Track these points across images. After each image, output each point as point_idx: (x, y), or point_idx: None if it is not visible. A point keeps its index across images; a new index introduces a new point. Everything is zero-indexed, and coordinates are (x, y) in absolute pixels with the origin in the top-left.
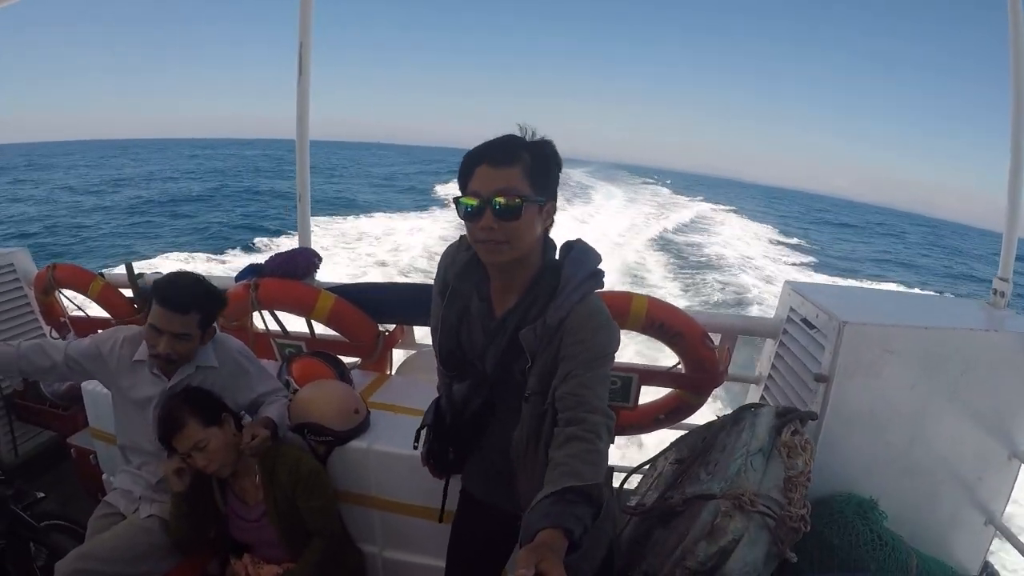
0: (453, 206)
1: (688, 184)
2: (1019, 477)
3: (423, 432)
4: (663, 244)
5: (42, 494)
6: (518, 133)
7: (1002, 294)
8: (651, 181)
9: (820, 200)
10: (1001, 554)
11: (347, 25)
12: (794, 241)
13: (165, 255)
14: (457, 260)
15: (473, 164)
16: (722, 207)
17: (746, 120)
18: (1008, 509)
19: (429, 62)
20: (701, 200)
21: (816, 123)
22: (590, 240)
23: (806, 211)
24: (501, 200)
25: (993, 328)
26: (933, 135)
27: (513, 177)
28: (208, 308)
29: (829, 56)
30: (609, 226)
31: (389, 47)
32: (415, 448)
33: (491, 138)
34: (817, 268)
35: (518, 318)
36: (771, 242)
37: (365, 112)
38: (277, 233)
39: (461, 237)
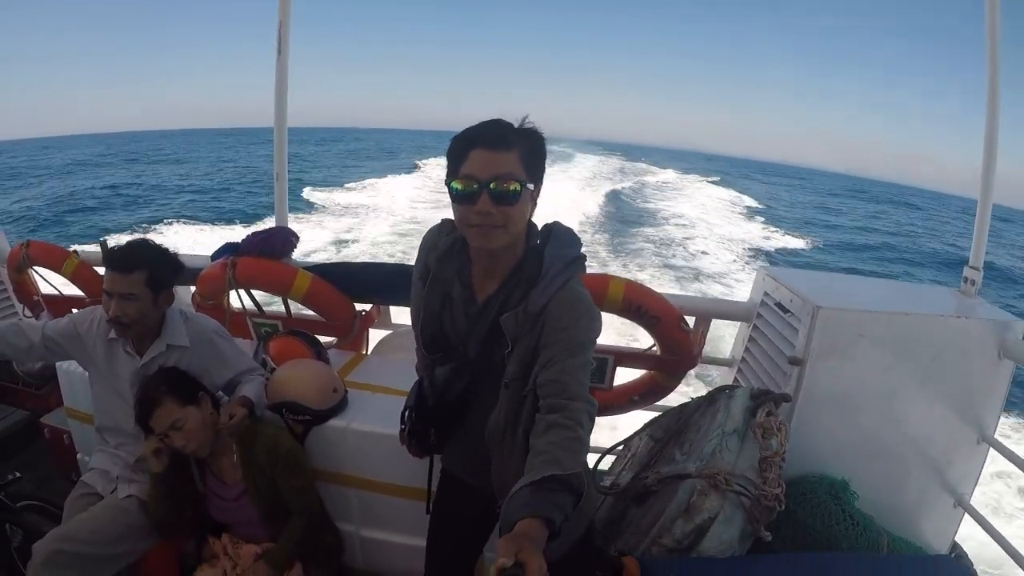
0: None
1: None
2: (987, 461)
3: (406, 413)
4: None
5: (18, 474)
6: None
7: (972, 282)
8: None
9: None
10: (970, 537)
11: (325, 7)
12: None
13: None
14: (439, 245)
15: (467, 147)
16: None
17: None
18: (976, 492)
19: (404, 44)
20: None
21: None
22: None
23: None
24: (500, 185)
25: (964, 315)
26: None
27: (511, 162)
28: (155, 266)
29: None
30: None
31: (364, 30)
32: (401, 430)
33: (477, 122)
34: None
35: (499, 303)
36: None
37: (337, 97)
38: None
39: (442, 221)
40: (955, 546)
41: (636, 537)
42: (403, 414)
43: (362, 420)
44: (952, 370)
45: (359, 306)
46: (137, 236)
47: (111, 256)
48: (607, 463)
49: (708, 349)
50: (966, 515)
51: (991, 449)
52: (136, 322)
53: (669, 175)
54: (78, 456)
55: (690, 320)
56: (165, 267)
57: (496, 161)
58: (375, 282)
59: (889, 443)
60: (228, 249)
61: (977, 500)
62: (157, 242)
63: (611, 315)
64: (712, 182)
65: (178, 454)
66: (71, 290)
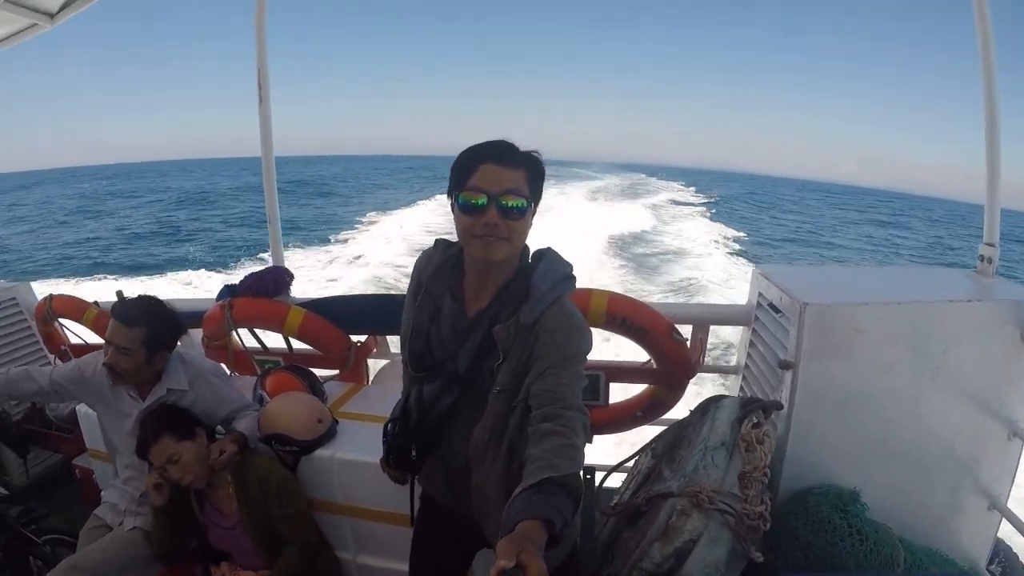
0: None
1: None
2: (1022, 457)
3: (388, 427)
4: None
5: (46, 511)
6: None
7: (989, 260)
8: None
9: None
10: (1011, 540)
11: (306, 43)
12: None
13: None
14: (433, 261)
15: (476, 161)
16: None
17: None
18: (1013, 491)
19: (399, 68)
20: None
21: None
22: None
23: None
24: (509, 199)
25: (977, 298)
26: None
27: (519, 179)
28: (155, 327)
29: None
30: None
31: (350, 58)
32: (383, 455)
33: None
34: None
35: (491, 317)
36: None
37: (328, 125)
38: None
39: (436, 241)
40: (996, 551)
41: (622, 559)
42: (385, 427)
43: (348, 449)
44: (970, 360)
45: (355, 337)
46: (148, 294)
47: (117, 306)
48: (616, 481)
49: (720, 357)
50: (1004, 519)
51: None
52: (128, 374)
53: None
54: (102, 493)
55: (687, 329)
56: (165, 330)
57: (506, 176)
58: (368, 312)
59: (903, 446)
60: (227, 291)
61: (1016, 500)
62: (164, 301)
63: (601, 332)
64: None
65: (179, 488)
66: (95, 339)
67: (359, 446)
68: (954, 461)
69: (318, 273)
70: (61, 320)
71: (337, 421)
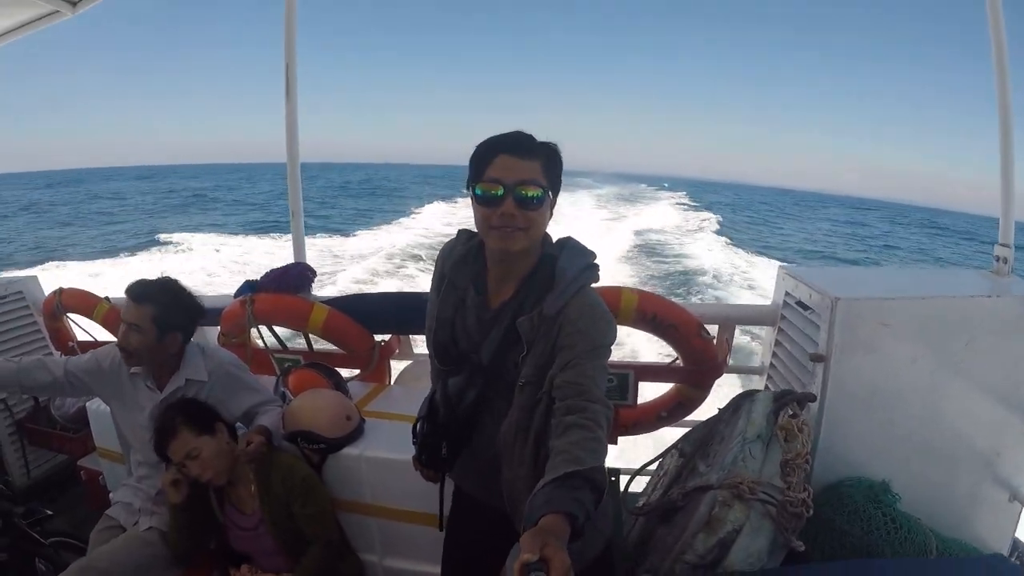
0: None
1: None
2: None
3: (418, 426)
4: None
5: (50, 512)
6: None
7: (1005, 260)
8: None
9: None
10: None
11: (334, 45)
12: None
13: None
14: (455, 252)
15: (492, 153)
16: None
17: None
18: None
19: (418, 79)
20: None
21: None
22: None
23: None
24: (525, 189)
25: (996, 294)
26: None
27: (536, 170)
28: (164, 306)
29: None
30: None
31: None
32: (414, 443)
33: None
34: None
35: (514, 309)
36: None
37: (348, 133)
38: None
39: (459, 232)
40: (1016, 543)
41: (661, 555)
42: (414, 427)
43: (376, 447)
44: (989, 354)
45: (379, 337)
46: (166, 275)
47: (130, 285)
48: (640, 484)
49: (739, 360)
50: None
51: None
52: (139, 354)
53: None
54: (110, 495)
55: (713, 329)
56: (175, 309)
57: (521, 167)
58: (392, 311)
59: (929, 438)
60: (248, 287)
61: None
62: (183, 284)
63: (627, 332)
64: None
65: (198, 485)
66: (105, 335)
67: (388, 444)
68: (976, 453)
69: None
70: (70, 315)
71: (364, 419)
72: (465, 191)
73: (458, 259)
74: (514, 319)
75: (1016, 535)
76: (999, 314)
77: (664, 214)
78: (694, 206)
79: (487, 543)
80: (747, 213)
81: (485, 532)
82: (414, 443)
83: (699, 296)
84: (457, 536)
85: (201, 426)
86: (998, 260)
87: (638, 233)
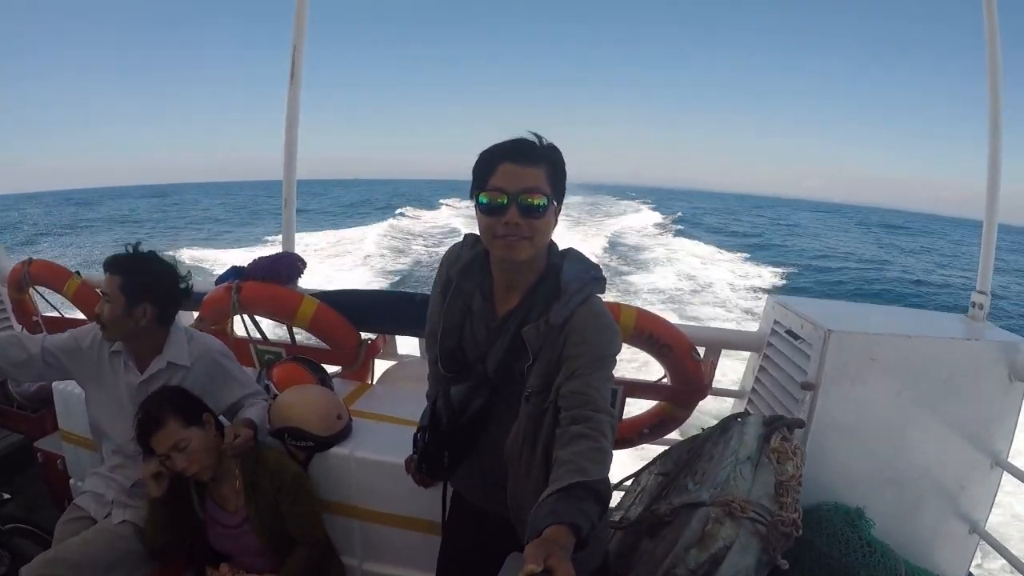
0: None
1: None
2: (1002, 485)
3: (418, 436)
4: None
5: (7, 495)
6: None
7: (980, 306)
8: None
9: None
10: (986, 563)
11: (335, 53)
12: None
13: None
14: (461, 257)
15: (495, 161)
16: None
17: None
18: (991, 517)
19: (416, 94)
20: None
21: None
22: None
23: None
24: (529, 198)
25: (973, 338)
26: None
27: (539, 177)
28: (130, 276)
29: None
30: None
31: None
32: (409, 457)
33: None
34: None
35: (520, 318)
36: None
37: (342, 148)
38: None
39: (466, 236)
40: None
41: (648, 569)
42: (415, 436)
43: (367, 448)
44: (963, 394)
45: (364, 335)
46: (151, 250)
47: (107, 259)
48: (615, 499)
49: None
50: (981, 542)
51: (1005, 473)
52: (111, 325)
53: None
54: (71, 481)
55: (700, 351)
56: (144, 278)
57: (524, 175)
58: (382, 310)
59: (901, 469)
60: (233, 273)
61: (993, 525)
62: (163, 259)
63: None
64: None
65: (178, 479)
66: (72, 312)
67: (377, 445)
68: (942, 486)
69: None
70: (37, 288)
71: (351, 419)
72: (470, 200)
73: (464, 265)
74: (520, 328)
75: (970, 569)
76: (974, 357)
77: (636, 221)
78: (665, 212)
79: (485, 548)
80: (712, 216)
81: (483, 537)
82: (415, 453)
83: (678, 301)
84: (455, 540)
85: (189, 417)
86: (974, 306)
87: (612, 243)
